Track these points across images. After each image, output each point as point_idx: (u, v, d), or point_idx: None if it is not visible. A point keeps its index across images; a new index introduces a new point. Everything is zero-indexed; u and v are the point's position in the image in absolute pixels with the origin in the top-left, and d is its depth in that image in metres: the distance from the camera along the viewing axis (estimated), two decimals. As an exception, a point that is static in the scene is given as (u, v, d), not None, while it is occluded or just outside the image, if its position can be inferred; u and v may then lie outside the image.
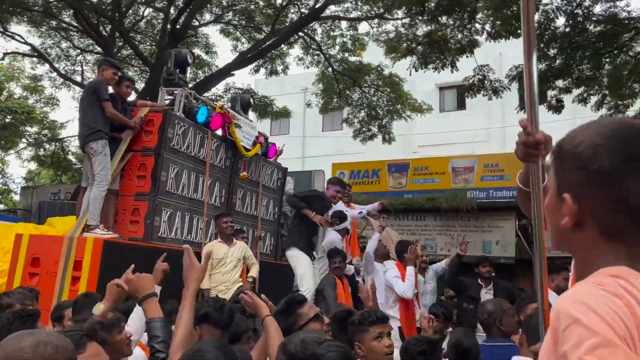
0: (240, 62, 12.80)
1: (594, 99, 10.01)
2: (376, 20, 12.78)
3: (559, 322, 0.85)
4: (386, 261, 6.10)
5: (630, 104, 10.28)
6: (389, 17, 12.25)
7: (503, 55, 13.76)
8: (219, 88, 14.20)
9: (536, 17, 9.11)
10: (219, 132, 6.51)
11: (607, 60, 9.40)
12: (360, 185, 11.84)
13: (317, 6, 12.46)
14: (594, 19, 9.08)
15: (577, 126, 1.04)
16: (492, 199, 10.93)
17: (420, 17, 9.67)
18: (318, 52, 13.73)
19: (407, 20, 10.63)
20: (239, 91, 13.27)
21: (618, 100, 10.12)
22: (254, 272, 5.93)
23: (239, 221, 6.59)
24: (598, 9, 9.12)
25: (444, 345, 3.81)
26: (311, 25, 13.21)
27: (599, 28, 9.11)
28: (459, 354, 3.02)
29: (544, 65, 9.28)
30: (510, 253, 10.64)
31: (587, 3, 8.96)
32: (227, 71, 12.74)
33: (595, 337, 0.78)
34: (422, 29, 10.11)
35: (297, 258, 5.79)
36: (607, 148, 0.92)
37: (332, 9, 13.16)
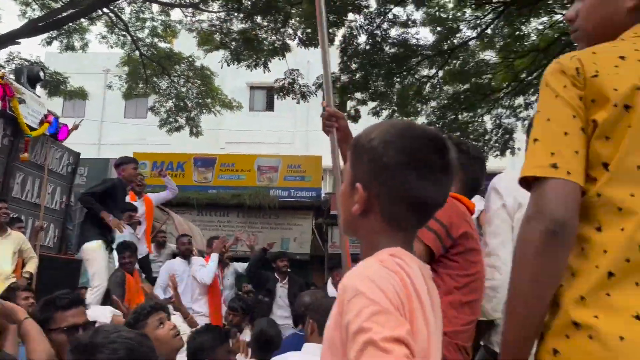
0: (29, 30, 11.21)
1: (385, 113, 11.17)
2: (190, 9, 12.40)
3: (345, 295, 0.96)
4: (194, 257, 6.01)
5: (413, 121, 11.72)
6: (204, 8, 11.99)
7: (311, 63, 14.52)
8: (-1, 56, 12.27)
9: (342, 31, 9.88)
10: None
11: (398, 80, 10.57)
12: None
13: (126, -17, 11.61)
14: (389, 41, 10.13)
15: (375, 124, 1.16)
16: (293, 199, 11.44)
17: (236, 14, 9.66)
18: (125, 32, 12.78)
19: (222, 15, 10.54)
20: (26, 63, 11.63)
21: (404, 116, 11.45)
22: (31, 267, 5.24)
23: (16, 209, 5.76)
24: (393, 32, 10.21)
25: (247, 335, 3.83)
26: (118, 2, 12.24)
27: (393, 50, 10.20)
28: (261, 342, 3.07)
29: (346, 77, 10.06)
30: (306, 250, 11.25)
31: (385, 26, 9.96)
32: (11, 38, 11.05)
33: (375, 306, 0.91)
34: (237, 26, 10.12)
35: (92, 252, 5.27)
36: (394, 145, 1.05)
37: (143, -11, 12.39)
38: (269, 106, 19.15)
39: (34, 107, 6.07)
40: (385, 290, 0.94)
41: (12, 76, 6.40)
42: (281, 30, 9.77)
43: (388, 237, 1.07)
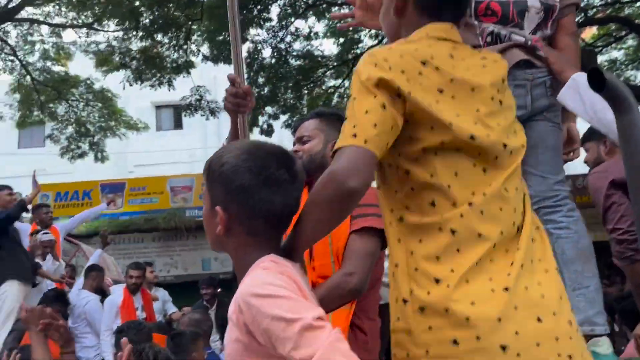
0: None
1: (297, 125, 11.28)
2: (84, 30, 11.82)
3: (247, 308, 1.05)
4: (114, 286, 5.84)
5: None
6: (99, 28, 11.50)
7: (217, 78, 14.39)
8: None
9: (246, 46, 9.87)
10: None
11: (306, 92, 10.74)
12: (68, 207, 10.69)
13: (10, 6, 10.83)
14: (294, 53, 10.28)
15: (223, 147, 1.29)
16: (210, 217, 11.21)
17: (134, 32, 9.37)
18: (12, 57, 11.93)
19: (120, 34, 10.17)
20: None
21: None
22: None
23: None
24: (297, 45, 10.37)
25: None
26: (4, 26, 11.40)
27: (298, 62, 10.35)
28: None
29: (254, 91, 10.08)
30: (228, 268, 11.05)
31: (288, 39, 10.10)
32: None
33: (286, 300, 1.03)
34: (136, 44, 9.80)
35: (5, 293, 4.89)
36: (244, 167, 1.18)
37: (29, 11, 11.62)
38: (177, 125, 18.66)
39: None
40: (284, 286, 1.05)
41: None
42: (183, 47, 9.59)
43: (255, 249, 1.18)
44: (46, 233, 6.04)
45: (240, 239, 1.20)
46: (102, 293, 5.98)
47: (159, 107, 18.34)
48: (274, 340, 1.01)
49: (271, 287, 1.05)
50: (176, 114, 17.88)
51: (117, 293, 5.74)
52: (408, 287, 1.18)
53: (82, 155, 12.45)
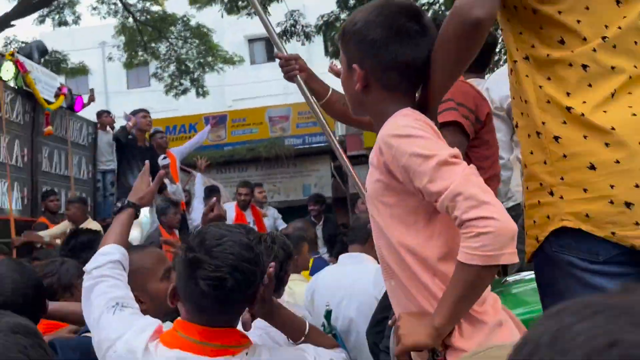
0: (22, 10, 11.07)
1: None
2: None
3: (387, 148, 1.12)
4: (225, 204, 6.22)
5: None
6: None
7: (306, 6, 14.26)
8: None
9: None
10: (12, 83, 5.65)
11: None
12: (177, 141, 11.40)
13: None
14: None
15: (356, 10, 1.32)
16: (308, 145, 11.50)
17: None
18: (115, 0, 12.55)
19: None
20: (22, 45, 11.52)
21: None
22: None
23: (48, 182, 5.90)
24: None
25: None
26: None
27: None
28: None
29: (345, 14, 9.88)
30: (327, 193, 11.41)
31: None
32: (6, 21, 10.93)
33: (423, 139, 1.10)
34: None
35: None
36: (375, 22, 1.19)
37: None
38: (270, 57, 18.84)
39: (47, 81, 6.11)
40: (421, 128, 1.12)
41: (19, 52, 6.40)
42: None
43: (393, 102, 1.21)
44: (165, 157, 6.53)
45: (377, 94, 1.23)
46: (218, 212, 6.46)
47: (251, 41, 18.61)
48: (412, 174, 1.07)
49: (409, 128, 1.12)
50: (268, 47, 18.05)
51: (230, 210, 6.17)
52: (540, 119, 1.19)
53: (185, 91, 13.10)
